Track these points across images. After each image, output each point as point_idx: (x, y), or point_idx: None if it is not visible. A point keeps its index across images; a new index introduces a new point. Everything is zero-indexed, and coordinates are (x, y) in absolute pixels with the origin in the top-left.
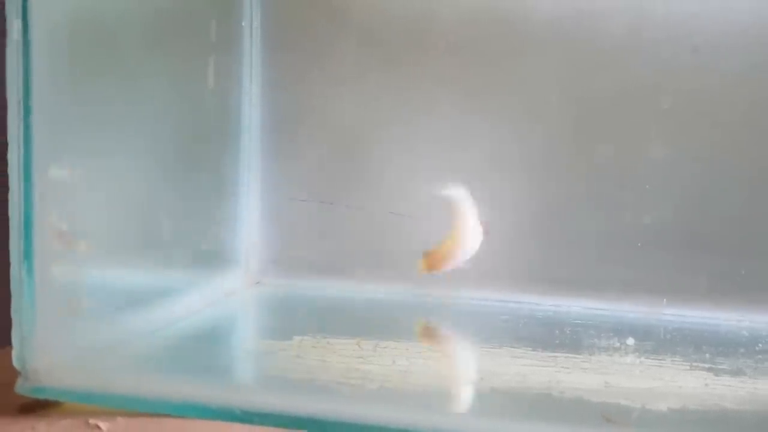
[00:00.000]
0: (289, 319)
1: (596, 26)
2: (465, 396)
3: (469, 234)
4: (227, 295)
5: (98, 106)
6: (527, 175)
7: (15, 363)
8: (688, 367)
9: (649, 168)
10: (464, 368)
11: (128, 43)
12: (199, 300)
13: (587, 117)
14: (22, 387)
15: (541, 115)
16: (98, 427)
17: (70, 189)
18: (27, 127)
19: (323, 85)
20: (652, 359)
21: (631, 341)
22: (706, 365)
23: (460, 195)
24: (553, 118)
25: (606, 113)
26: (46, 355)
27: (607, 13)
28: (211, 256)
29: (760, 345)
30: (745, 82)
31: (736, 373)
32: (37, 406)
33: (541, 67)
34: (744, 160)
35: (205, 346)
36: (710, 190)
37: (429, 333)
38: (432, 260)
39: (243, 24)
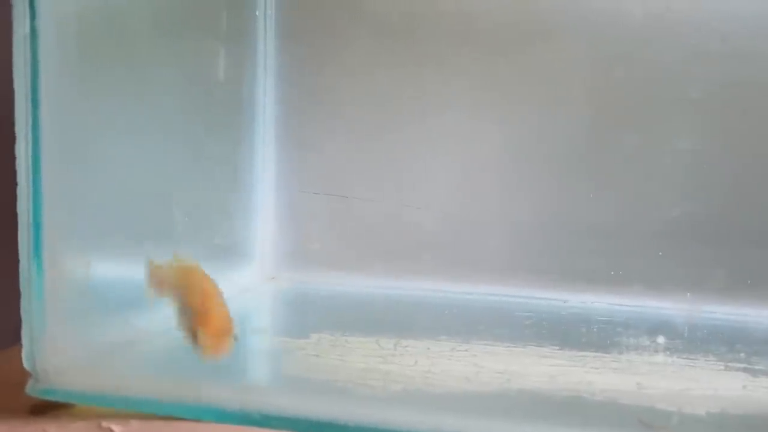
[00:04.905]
0: (305, 316)
1: (620, 13)
2: (492, 398)
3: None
4: (242, 291)
5: (107, 99)
6: (548, 168)
7: (25, 364)
8: (722, 368)
9: (677, 160)
10: (489, 369)
11: (138, 35)
12: None
13: (611, 108)
14: (32, 388)
15: (562, 105)
16: (111, 430)
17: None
18: (35, 122)
19: (338, 76)
20: (685, 359)
21: (661, 339)
22: (742, 365)
23: None
24: (575, 109)
25: (631, 104)
26: (57, 356)
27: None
28: (225, 251)
29: None
30: None
31: None
32: (48, 408)
33: (562, 56)
34: None
35: None
36: (742, 181)
37: None
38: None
39: (257, 13)
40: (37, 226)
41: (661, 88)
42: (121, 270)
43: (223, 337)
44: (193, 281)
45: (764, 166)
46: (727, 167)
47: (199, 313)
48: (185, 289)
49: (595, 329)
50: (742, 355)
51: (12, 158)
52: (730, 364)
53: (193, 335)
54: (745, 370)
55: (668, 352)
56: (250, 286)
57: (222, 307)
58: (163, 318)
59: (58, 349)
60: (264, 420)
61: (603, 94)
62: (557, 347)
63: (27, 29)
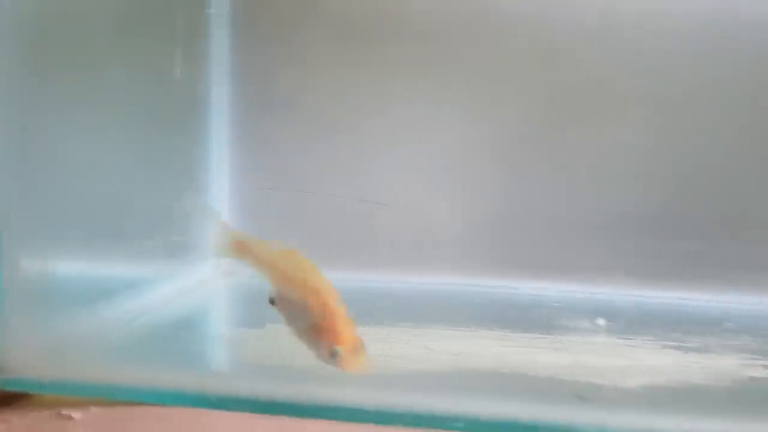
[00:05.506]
0: (261, 308)
1: (568, 12)
2: (443, 378)
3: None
4: (199, 286)
5: (63, 98)
6: (502, 162)
7: None
8: (658, 346)
9: (621, 153)
10: (443, 351)
11: (93, 34)
12: (172, 291)
13: (561, 103)
14: None
15: (515, 102)
16: (71, 417)
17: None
18: None
19: (294, 74)
20: (623, 339)
21: (602, 322)
22: (676, 344)
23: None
24: (527, 106)
25: (579, 99)
26: (17, 348)
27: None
28: (181, 247)
29: (727, 324)
30: (714, 67)
31: (705, 350)
32: (10, 399)
33: (514, 54)
34: (712, 144)
35: (178, 335)
36: (680, 174)
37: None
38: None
39: (211, 11)
40: None
41: (609, 84)
42: (80, 265)
43: (360, 353)
44: (314, 289)
45: (701, 160)
46: (668, 161)
47: (329, 331)
48: (307, 295)
49: (542, 314)
50: (677, 334)
51: None
52: (665, 343)
53: (325, 350)
54: (678, 348)
55: (608, 333)
56: (208, 281)
57: (348, 320)
58: (122, 310)
59: (19, 341)
60: (221, 402)
61: (552, 92)
62: (506, 330)
63: None
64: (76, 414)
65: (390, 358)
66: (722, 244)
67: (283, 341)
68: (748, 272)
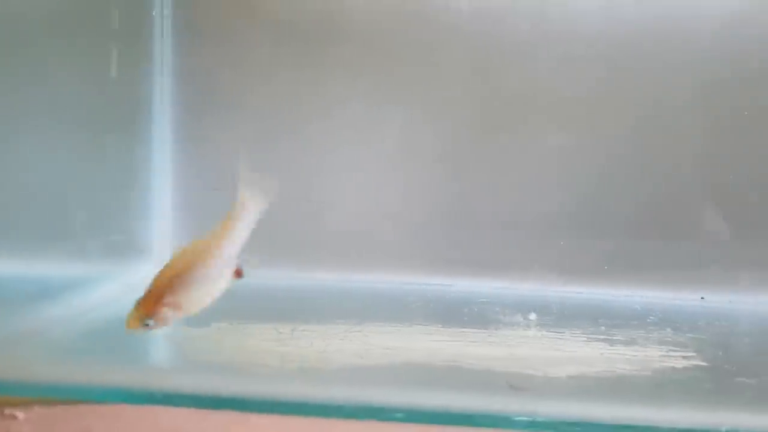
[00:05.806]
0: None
1: (504, 17)
2: (380, 371)
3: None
4: (142, 286)
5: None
6: (438, 164)
7: None
8: (585, 339)
9: (551, 155)
10: (379, 346)
11: (31, 32)
12: (113, 290)
13: (493, 108)
14: None
15: (451, 105)
16: (15, 417)
17: None
18: None
19: (237, 76)
20: (553, 332)
21: (533, 316)
22: (602, 336)
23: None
24: (462, 109)
25: (511, 104)
26: None
27: (513, 8)
28: (123, 247)
29: (650, 318)
30: (635, 73)
31: (629, 342)
32: None
33: (450, 59)
34: (638, 146)
35: (122, 334)
36: (604, 175)
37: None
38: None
39: (153, 14)
40: None
41: (537, 91)
42: (20, 264)
43: (140, 317)
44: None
45: (628, 163)
46: (593, 164)
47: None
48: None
49: (476, 309)
50: (603, 328)
51: None
52: (591, 335)
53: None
54: (604, 340)
55: (539, 327)
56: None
57: (165, 290)
58: (64, 309)
59: None
60: (166, 398)
61: (486, 97)
62: (441, 325)
63: None
64: (20, 413)
65: (327, 353)
66: (645, 244)
67: (228, 339)
68: (670, 269)
